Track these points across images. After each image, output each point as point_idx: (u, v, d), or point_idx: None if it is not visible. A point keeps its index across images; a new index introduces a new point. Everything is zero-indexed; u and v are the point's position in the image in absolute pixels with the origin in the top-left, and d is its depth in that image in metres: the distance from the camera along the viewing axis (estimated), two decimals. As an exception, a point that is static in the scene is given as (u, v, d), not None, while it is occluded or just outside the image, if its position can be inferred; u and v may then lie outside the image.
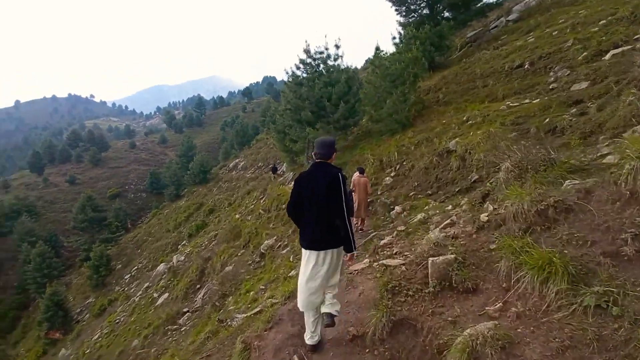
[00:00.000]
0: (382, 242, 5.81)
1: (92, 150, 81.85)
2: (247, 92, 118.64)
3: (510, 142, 8.89)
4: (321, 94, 17.50)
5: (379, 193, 12.57)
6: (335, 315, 3.04)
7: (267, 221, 17.59)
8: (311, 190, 2.85)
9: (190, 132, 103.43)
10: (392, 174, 13.20)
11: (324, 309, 2.99)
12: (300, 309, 3.06)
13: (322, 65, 18.81)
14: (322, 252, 2.88)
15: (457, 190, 8.77)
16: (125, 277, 39.35)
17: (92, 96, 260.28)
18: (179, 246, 34.58)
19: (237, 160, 59.76)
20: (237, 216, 23.31)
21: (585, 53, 11.78)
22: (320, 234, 2.84)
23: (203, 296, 14.48)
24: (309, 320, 3.07)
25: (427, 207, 8.22)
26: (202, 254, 21.52)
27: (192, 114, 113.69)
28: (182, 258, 23.72)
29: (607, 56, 10.73)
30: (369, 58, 23.09)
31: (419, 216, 6.71)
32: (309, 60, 18.78)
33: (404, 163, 13.18)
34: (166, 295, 19.00)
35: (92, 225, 53.60)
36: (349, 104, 17.75)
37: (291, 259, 10.76)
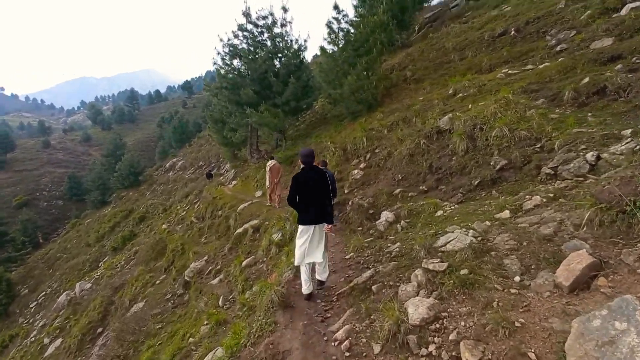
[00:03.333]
0: (413, 317, 2.44)
1: (-7, 151, 67.95)
2: (188, 87, 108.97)
3: (543, 110, 6.05)
4: (265, 68, 13.69)
5: (346, 191, 9.24)
6: (324, 281, 4.23)
7: (199, 233, 13.37)
8: (309, 185, 3.94)
9: (121, 129, 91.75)
10: (361, 166, 9.95)
11: (317, 276, 4.20)
12: (300, 264, 4.05)
13: (266, 34, 14.93)
14: (317, 226, 4.02)
15: (476, 183, 5.70)
16: (31, 306, 31.50)
17: (2, 89, 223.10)
18: (100, 263, 28.23)
19: (174, 159, 53.13)
20: (163, 226, 18.51)
21: (588, 12, 9.64)
22: (315, 214, 3.98)
23: (98, 351, 9.92)
24: (304, 275, 4.07)
25: (441, 212, 5.03)
26: (113, 280, 16.47)
27: (124, 109, 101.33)
28: (88, 286, 18.32)
29: (624, 11, 8.60)
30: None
31: (455, 235, 3.42)
32: (249, 27, 14.78)
33: (377, 151, 10.01)
34: (59, 341, 13.80)
35: (-11, 242, 43.32)
36: (301, 81, 14.15)
37: (220, 303, 6.92)
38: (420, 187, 7.05)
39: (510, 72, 9.25)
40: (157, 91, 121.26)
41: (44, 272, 39.06)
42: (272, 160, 10.47)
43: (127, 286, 13.73)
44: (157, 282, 12.24)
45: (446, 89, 10.58)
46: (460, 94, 9.40)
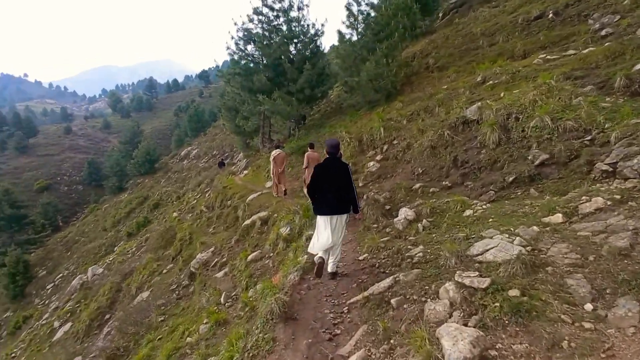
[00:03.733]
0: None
1: (17, 135, 69.99)
2: (205, 76, 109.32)
3: (593, 98, 5.23)
4: (280, 54, 13.05)
5: (360, 184, 8.60)
6: (336, 272, 4.23)
7: (207, 223, 13.05)
8: (331, 176, 3.98)
9: (139, 117, 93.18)
10: (377, 158, 9.28)
11: (329, 269, 4.18)
12: (319, 252, 4.03)
13: (281, 17, 14.24)
14: (336, 216, 4.02)
15: (510, 180, 4.98)
16: (48, 287, 32.41)
17: (25, 75, 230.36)
18: (116, 248, 28.70)
19: (189, 148, 53.49)
20: (174, 214, 18.38)
21: (636, -7, 8.56)
22: (337, 204, 3.97)
23: (104, 338, 9.77)
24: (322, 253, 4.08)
25: (469, 212, 4.36)
26: (123, 266, 16.47)
27: (142, 97, 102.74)
28: (100, 271, 18.43)
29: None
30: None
31: (495, 242, 2.78)
32: (264, 10, 14.12)
33: (395, 142, 9.31)
34: (68, 325, 13.89)
35: (10, 224, 44.78)
36: (316, 68, 13.46)
37: (222, 300, 6.47)
38: (443, 183, 6.36)
39: (549, 57, 8.32)
40: (175, 80, 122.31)
41: (62, 255, 40.16)
42: (277, 150, 10.18)
43: (135, 273, 13.61)
44: (165, 271, 12.01)
45: (473, 77, 9.71)
46: (491, 82, 8.55)
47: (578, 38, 9.11)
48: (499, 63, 9.10)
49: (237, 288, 6.70)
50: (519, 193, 4.68)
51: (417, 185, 6.50)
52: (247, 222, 9.70)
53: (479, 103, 7.36)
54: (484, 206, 4.46)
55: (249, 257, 7.39)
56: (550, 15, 10.83)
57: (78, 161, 72.26)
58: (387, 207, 6.28)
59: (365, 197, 6.99)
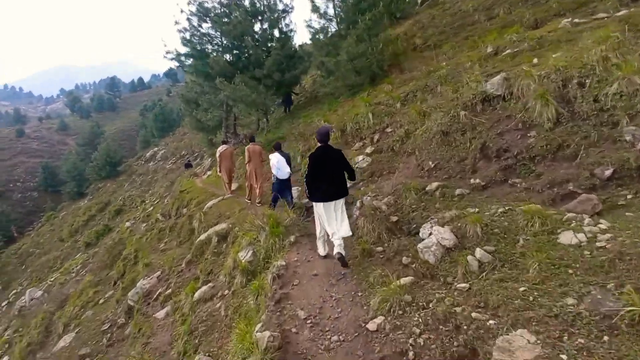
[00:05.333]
0: None
1: (-41, 140, 63.00)
2: (173, 74, 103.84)
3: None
4: (241, 31, 10.78)
5: (348, 185, 6.60)
6: (343, 253, 3.88)
7: (159, 236, 10.64)
8: (327, 163, 3.98)
9: (100, 117, 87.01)
10: (367, 150, 7.33)
11: (336, 250, 3.91)
12: (341, 236, 3.90)
13: (243, -10, 11.97)
14: (335, 201, 3.99)
15: (608, 174, 3.13)
16: (3, 305, 28.44)
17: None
18: (69, 263, 25.29)
19: (155, 149, 49.76)
20: (126, 224, 15.68)
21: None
22: (335, 189, 3.99)
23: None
24: (320, 242, 4.21)
25: (570, 235, 2.46)
26: (63, 290, 13.67)
27: (104, 96, 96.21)
28: (39, 294, 15.44)
29: None
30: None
31: None
32: (223, -18, 11.77)
33: (388, 130, 7.40)
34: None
35: (-42, 235, 39.69)
36: (286, 48, 11.32)
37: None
38: (472, 180, 4.47)
39: (577, 21, 6.67)
40: (140, 79, 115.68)
41: (17, 269, 35.99)
42: (224, 145, 9.26)
43: (69, 303, 10.95)
44: (101, 300, 9.50)
45: (479, 50, 7.97)
46: (508, 51, 6.80)
47: (599, 3, 7.58)
48: (514, 30, 7.37)
49: (174, 346, 4.51)
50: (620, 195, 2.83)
51: (434, 186, 4.57)
52: (202, 237, 7.47)
53: (503, 74, 5.55)
54: (599, 225, 2.53)
55: (197, 294, 5.20)
56: (558, -19, 9.33)
57: (32, 166, 66.02)
58: (394, 218, 4.29)
59: (358, 203, 4.98)
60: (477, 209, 3.54)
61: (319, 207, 4.04)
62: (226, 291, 4.76)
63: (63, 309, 10.97)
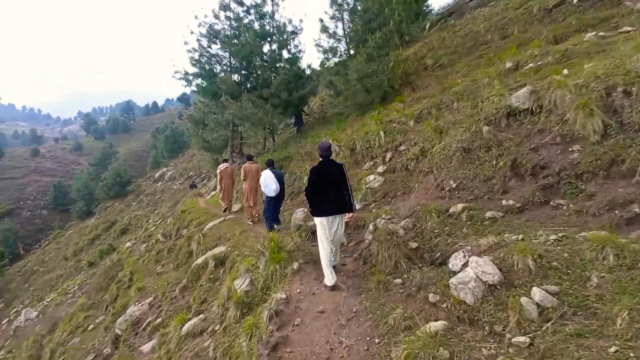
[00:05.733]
0: None
1: (-21, 158, 64.81)
2: (185, 98, 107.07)
3: None
4: (250, 49, 10.66)
5: (358, 207, 6.05)
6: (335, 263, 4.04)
7: (156, 258, 10.06)
8: (328, 178, 3.94)
9: (114, 139, 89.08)
10: (379, 169, 6.80)
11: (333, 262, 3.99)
12: (329, 276, 3.78)
13: (252, 14, 12.01)
14: (338, 216, 3.96)
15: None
16: (3, 323, 27.82)
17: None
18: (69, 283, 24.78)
19: (164, 169, 50.16)
20: (127, 244, 15.19)
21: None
22: (336, 204, 3.92)
23: None
24: (328, 269, 3.86)
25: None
26: (57, 311, 13.06)
27: (119, 119, 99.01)
28: (34, 315, 14.84)
29: None
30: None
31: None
32: (232, 5, 11.87)
33: (401, 148, 6.89)
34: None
35: (-36, 251, 39.61)
36: (295, 68, 11.15)
37: None
38: (504, 202, 3.87)
39: (603, 34, 6.24)
40: (155, 103, 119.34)
41: (20, 286, 35.60)
42: (225, 164, 9.21)
43: (59, 326, 10.30)
44: (91, 326, 8.83)
45: (498, 66, 7.56)
46: (531, 65, 6.36)
47: (621, 19, 7.19)
48: (535, 45, 6.97)
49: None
50: None
51: (459, 207, 3.97)
52: (199, 260, 6.89)
53: (529, 86, 5.07)
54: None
55: (186, 327, 4.56)
56: (575, 1, 9.05)
57: (44, 184, 67.16)
58: (413, 244, 3.68)
59: (371, 227, 4.39)
60: (520, 236, 2.92)
61: (321, 222, 3.93)
62: (217, 326, 4.12)
63: (53, 333, 10.31)
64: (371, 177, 6.68)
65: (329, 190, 3.86)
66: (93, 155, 72.06)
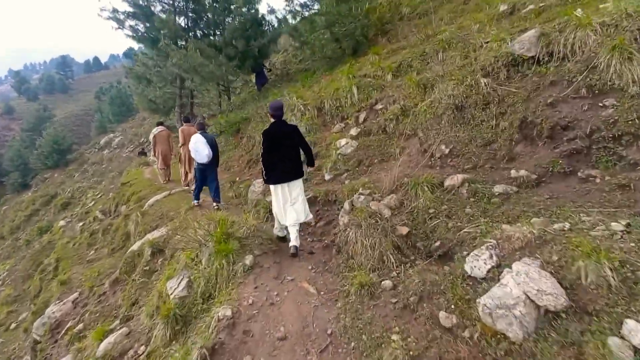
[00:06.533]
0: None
1: None
2: (132, 54, 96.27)
3: None
4: (196, -15, 8.67)
5: (327, 178, 5.04)
6: (297, 246, 3.51)
7: (89, 240, 8.55)
8: (282, 139, 3.59)
9: (50, 100, 79.13)
10: (352, 132, 5.76)
11: (291, 243, 3.49)
12: (290, 224, 3.52)
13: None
14: (292, 182, 3.60)
15: None
16: None
17: None
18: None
19: (111, 135, 45.56)
20: (60, 223, 13.26)
21: None
22: (290, 168, 3.59)
23: None
24: (293, 233, 3.51)
25: None
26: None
27: (54, 77, 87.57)
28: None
29: None
30: None
31: None
32: None
33: (378, 106, 5.84)
34: None
35: None
36: (253, 11, 9.37)
37: None
38: (513, 172, 3.02)
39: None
40: (96, 58, 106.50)
41: None
42: (159, 127, 8.48)
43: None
44: (13, 325, 7.39)
45: (488, 11, 6.54)
46: (531, 7, 5.39)
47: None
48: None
49: None
50: None
51: (458, 180, 3.09)
52: (135, 247, 5.62)
53: (536, 29, 4.13)
54: None
55: (104, 345, 3.42)
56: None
57: (-28, 154, 58.95)
58: (403, 229, 2.76)
59: (346, 205, 3.40)
60: (564, 224, 2.06)
61: (276, 191, 3.64)
62: (142, 347, 3.04)
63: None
64: (342, 141, 5.62)
65: (282, 154, 3.53)
66: (26, 119, 63.80)
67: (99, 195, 14.66)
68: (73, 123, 67.66)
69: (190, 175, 7.21)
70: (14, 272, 13.22)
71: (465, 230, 2.57)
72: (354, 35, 8.17)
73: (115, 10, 9.15)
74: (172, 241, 4.98)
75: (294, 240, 3.43)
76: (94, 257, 7.51)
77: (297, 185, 3.62)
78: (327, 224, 4.24)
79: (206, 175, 5.74)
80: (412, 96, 5.35)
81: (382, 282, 2.47)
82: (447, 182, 3.22)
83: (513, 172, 3.11)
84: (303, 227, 4.53)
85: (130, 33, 9.84)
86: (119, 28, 9.49)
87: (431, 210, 3.01)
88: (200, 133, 5.64)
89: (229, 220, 3.80)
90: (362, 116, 6.00)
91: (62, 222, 13.41)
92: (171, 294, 3.14)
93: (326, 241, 3.67)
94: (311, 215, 3.70)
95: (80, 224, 12.20)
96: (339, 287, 2.75)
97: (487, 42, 4.94)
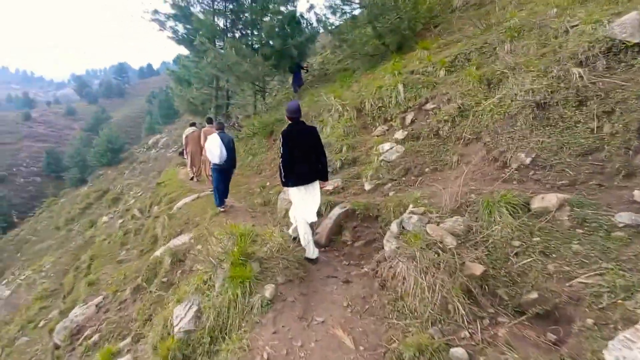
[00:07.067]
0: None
1: (-35, 122, 62.60)
2: (178, 59, 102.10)
3: None
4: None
5: (368, 188, 4.32)
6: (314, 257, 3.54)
7: (122, 240, 8.51)
8: (303, 141, 3.52)
9: (108, 103, 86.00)
10: (397, 135, 4.99)
11: (313, 254, 3.52)
12: (310, 221, 3.59)
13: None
14: (312, 183, 3.58)
15: None
16: None
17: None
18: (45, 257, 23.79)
19: (159, 136, 48.15)
20: (104, 219, 13.74)
21: None
22: (309, 171, 3.55)
23: None
24: (309, 236, 3.56)
25: None
26: (24, 294, 11.80)
27: (112, 82, 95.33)
28: (6, 293, 13.66)
29: None
30: None
31: None
32: None
33: (427, 106, 5.02)
34: None
35: (-49, 220, 39.02)
36: (291, 7, 8.92)
37: None
38: (636, 194, 2.09)
39: None
40: (149, 65, 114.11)
41: (12, 256, 34.94)
42: (192, 127, 8.57)
43: (17, 316, 8.98)
44: (42, 322, 7.44)
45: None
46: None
47: None
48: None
49: None
50: None
51: (554, 201, 2.21)
52: (158, 252, 5.27)
53: (637, 12, 3.13)
54: None
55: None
56: None
57: (37, 150, 65.45)
58: (476, 267, 1.96)
59: (394, 227, 2.67)
60: None
61: (296, 194, 3.58)
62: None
63: (10, 324, 9.01)
64: (386, 145, 4.87)
65: (301, 157, 3.46)
66: (85, 120, 69.71)
67: (140, 194, 15.06)
68: (127, 124, 72.87)
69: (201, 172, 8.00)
70: (57, 265, 13.91)
71: (580, 280, 1.74)
72: (400, 29, 7.38)
73: (156, 12, 9.24)
74: (193, 251, 4.54)
75: (311, 247, 3.44)
76: (125, 258, 7.38)
77: (316, 187, 3.61)
78: (366, 244, 3.53)
79: (221, 178, 5.54)
80: (473, 93, 4.48)
81: (451, 350, 1.72)
82: (536, 204, 2.37)
83: (637, 194, 2.19)
84: (334, 245, 3.88)
85: (171, 35, 9.86)
86: (160, 29, 9.56)
87: (516, 243, 2.19)
88: (217, 133, 5.46)
89: (251, 234, 3.23)
90: (409, 117, 5.20)
91: (105, 218, 13.91)
92: (176, 324, 2.59)
93: (366, 268, 2.95)
94: (316, 218, 3.64)
95: (120, 220, 12.51)
96: (385, 341, 2.03)
97: (575, 26, 3.97)
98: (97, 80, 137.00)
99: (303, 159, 3.46)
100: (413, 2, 7.40)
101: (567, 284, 1.86)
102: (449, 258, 2.17)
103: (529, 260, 2.06)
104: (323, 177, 3.62)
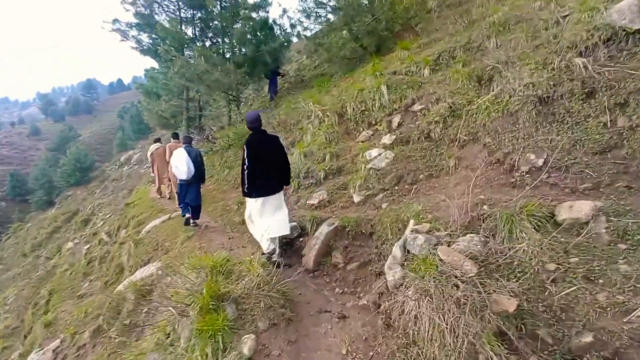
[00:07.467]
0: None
1: None
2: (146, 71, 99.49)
3: None
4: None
5: (357, 200, 3.86)
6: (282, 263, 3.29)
7: (86, 270, 7.67)
8: (266, 150, 3.48)
9: (76, 121, 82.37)
10: (384, 140, 4.58)
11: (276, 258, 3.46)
12: (276, 235, 3.52)
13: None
14: (275, 195, 3.55)
15: None
16: None
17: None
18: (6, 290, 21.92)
19: (131, 152, 46.30)
20: (69, 245, 12.63)
21: None
22: (274, 181, 3.54)
23: None
24: (275, 243, 3.56)
25: None
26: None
27: (79, 98, 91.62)
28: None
29: None
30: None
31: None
32: None
33: (414, 108, 4.66)
34: None
35: None
36: (263, 14, 8.50)
37: None
38: None
39: None
40: (120, 80, 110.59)
41: None
42: (156, 144, 8.18)
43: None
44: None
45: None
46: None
47: None
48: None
49: None
50: None
51: (585, 210, 1.81)
52: (121, 286, 4.60)
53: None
54: None
55: None
56: None
57: (0, 174, 61.59)
58: (508, 302, 1.51)
59: (398, 252, 2.20)
60: None
61: (255, 205, 3.54)
62: None
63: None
64: (374, 151, 4.46)
65: (264, 167, 3.42)
66: (51, 139, 66.30)
67: (109, 215, 14.01)
68: (97, 142, 69.83)
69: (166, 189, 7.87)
70: (19, 299, 12.63)
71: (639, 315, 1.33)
72: (377, 30, 7.09)
73: (116, 21, 8.48)
74: (158, 283, 3.92)
75: (276, 256, 3.39)
76: (87, 291, 6.56)
77: (279, 197, 3.57)
78: (361, 266, 3.06)
79: (185, 192, 5.25)
80: (463, 91, 4.16)
81: None
82: (564, 214, 1.98)
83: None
84: (324, 269, 3.41)
85: (135, 45, 9.18)
86: (123, 40, 8.84)
87: (551, 267, 1.78)
88: (184, 147, 5.17)
89: (225, 266, 2.69)
90: (395, 120, 4.83)
91: (70, 244, 12.79)
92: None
93: (365, 300, 2.48)
94: (288, 230, 3.60)
95: (87, 246, 11.48)
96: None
97: (566, 16, 3.72)
98: (64, 97, 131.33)
99: (267, 168, 3.44)
100: (389, 3, 7.13)
101: (625, 319, 1.46)
102: (472, 291, 1.73)
103: (571, 288, 1.65)
104: (286, 181, 3.67)
